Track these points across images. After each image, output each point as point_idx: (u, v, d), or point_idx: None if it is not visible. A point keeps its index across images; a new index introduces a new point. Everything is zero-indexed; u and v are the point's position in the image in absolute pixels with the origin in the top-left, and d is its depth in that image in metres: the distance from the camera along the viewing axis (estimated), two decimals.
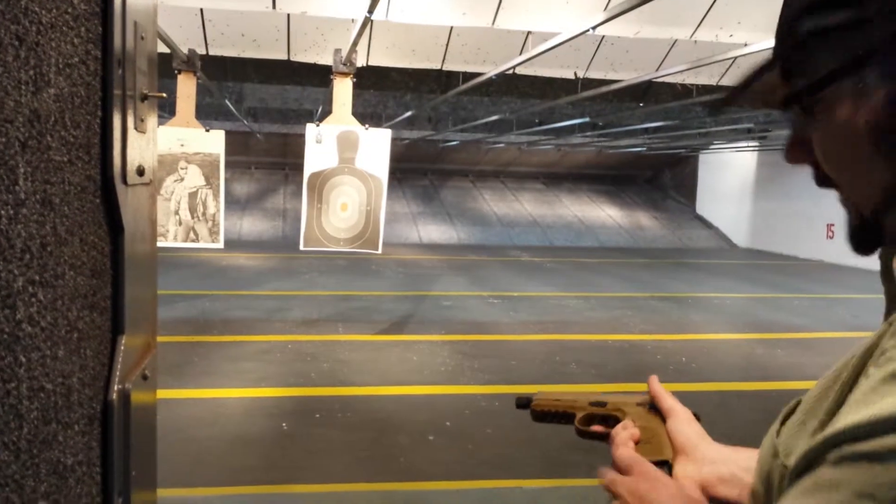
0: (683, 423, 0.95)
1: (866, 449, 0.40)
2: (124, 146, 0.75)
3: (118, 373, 0.73)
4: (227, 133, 6.62)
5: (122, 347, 0.75)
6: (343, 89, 5.97)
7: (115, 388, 0.73)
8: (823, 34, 0.54)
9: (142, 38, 0.80)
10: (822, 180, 0.59)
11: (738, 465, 0.83)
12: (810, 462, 0.44)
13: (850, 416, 0.43)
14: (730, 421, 4.96)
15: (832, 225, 15.29)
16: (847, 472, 0.41)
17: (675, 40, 6.67)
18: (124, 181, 0.75)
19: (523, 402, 1.09)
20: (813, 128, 0.57)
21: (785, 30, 0.58)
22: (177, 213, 6.12)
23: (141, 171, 0.81)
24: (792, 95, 0.57)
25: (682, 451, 0.89)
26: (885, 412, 0.40)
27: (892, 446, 0.39)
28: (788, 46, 0.58)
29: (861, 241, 0.58)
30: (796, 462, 0.46)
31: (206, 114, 11.44)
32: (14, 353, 0.54)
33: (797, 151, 0.60)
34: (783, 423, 0.60)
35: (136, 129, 0.78)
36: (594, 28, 4.47)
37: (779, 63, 0.59)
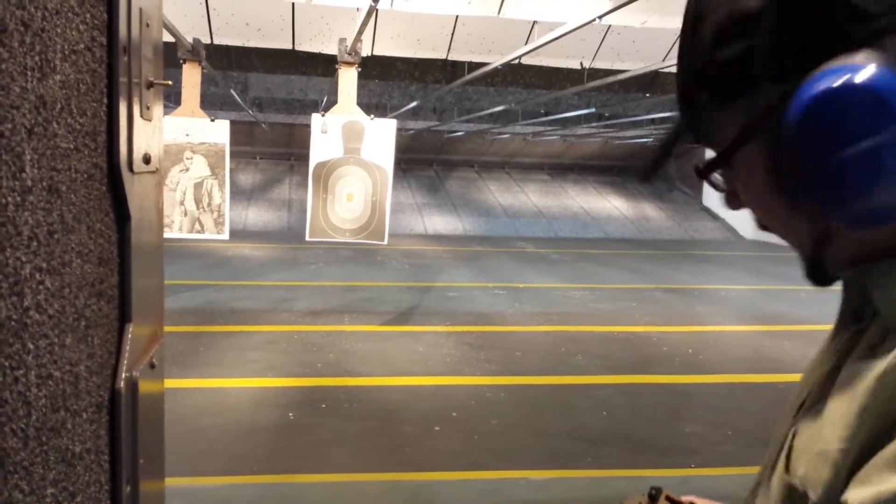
0: None
1: None
2: (130, 134, 0.74)
3: (126, 361, 0.73)
4: (233, 123, 6.62)
5: (130, 336, 0.75)
6: (348, 79, 5.95)
7: (123, 376, 0.72)
8: (718, 104, 0.58)
9: (147, 25, 0.80)
10: (761, 226, 0.63)
11: None
12: None
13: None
14: (737, 413, 4.96)
15: None
16: None
17: None
18: (130, 169, 0.74)
19: None
20: (737, 183, 0.61)
21: (684, 101, 0.62)
22: (182, 203, 6.13)
23: (147, 159, 0.80)
24: (707, 167, 0.61)
25: None
26: None
27: None
28: (692, 117, 0.62)
29: (814, 277, 0.62)
30: None
31: (211, 104, 11.44)
32: (22, 341, 0.54)
33: (732, 201, 0.64)
34: (787, 456, 0.60)
35: (142, 116, 0.78)
36: (601, 17, 4.45)
37: (689, 131, 0.63)
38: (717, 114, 0.58)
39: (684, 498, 0.99)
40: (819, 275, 0.61)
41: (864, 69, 0.48)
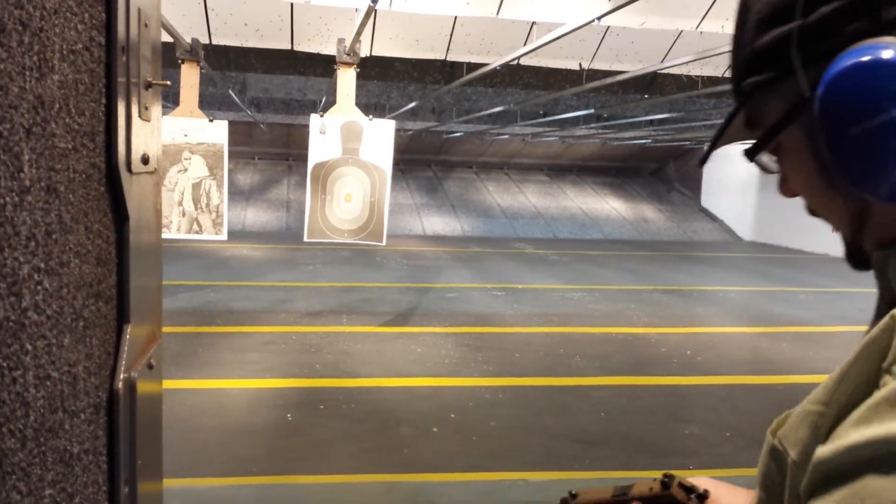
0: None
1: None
2: (129, 134, 0.74)
3: (124, 362, 0.73)
4: (231, 123, 6.62)
5: (128, 336, 0.75)
6: (347, 79, 5.95)
7: (121, 377, 0.72)
8: (763, 88, 0.61)
9: (145, 25, 0.79)
10: (812, 211, 0.66)
11: None
12: (844, 469, 0.47)
13: (886, 425, 0.46)
14: (735, 414, 4.96)
15: None
16: (886, 482, 0.44)
17: (681, 31, 6.63)
18: (129, 169, 0.74)
19: (566, 501, 1.07)
20: (786, 168, 0.64)
21: (735, 87, 0.66)
22: (180, 204, 6.12)
23: (146, 160, 0.80)
24: (753, 148, 0.64)
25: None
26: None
27: None
28: (740, 101, 0.65)
29: (855, 261, 0.64)
30: (819, 463, 0.50)
31: (210, 104, 11.43)
32: (20, 341, 0.54)
33: (786, 188, 0.67)
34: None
35: (140, 117, 0.78)
36: (599, 18, 4.45)
37: (740, 115, 0.66)
38: (762, 98, 0.62)
39: (698, 481, 0.96)
40: (858, 257, 0.62)
41: (890, 47, 0.51)
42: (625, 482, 1.04)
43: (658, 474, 0.99)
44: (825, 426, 0.52)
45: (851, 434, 0.48)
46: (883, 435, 0.45)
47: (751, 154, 0.65)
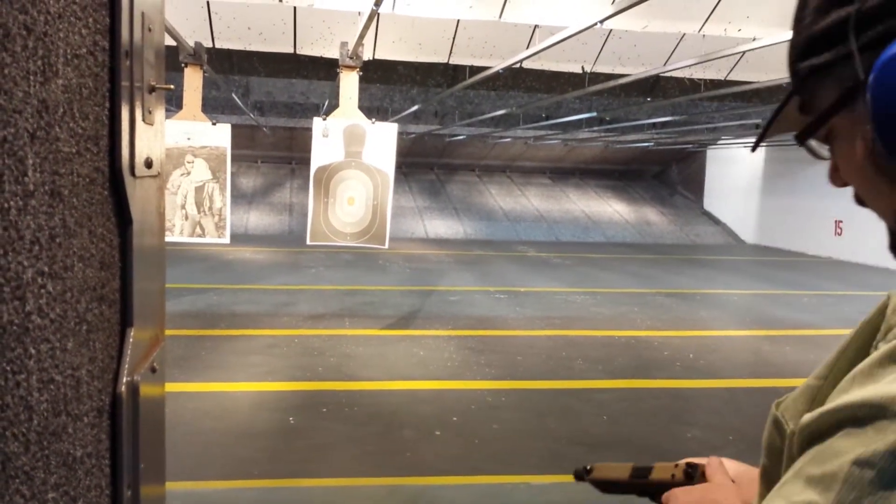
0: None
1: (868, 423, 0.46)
2: (132, 138, 0.74)
3: (127, 365, 0.73)
4: (234, 126, 6.63)
5: (131, 340, 0.75)
6: (349, 83, 5.96)
7: (124, 380, 0.72)
8: (820, 72, 0.60)
9: (149, 29, 0.80)
10: (859, 200, 0.65)
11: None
12: (820, 431, 0.50)
13: (857, 392, 0.49)
14: (738, 417, 4.95)
15: (840, 221, 15.22)
16: (849, 442, 0.46)
17: (684, 34, 6.63)
18: (132, 173, 0.74)
19: (580, 474, 1.03)
20: (837, 157, 0.64)
21: (791, 70, 0.65)
22: (183, 207, 6.13)
23: (149, 163, 0.80)
24: (804, 130, 0.64)
25: None
26: (887, 394, 0.46)
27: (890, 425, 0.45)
28: (795, 85, 0.65)
29: None
30: (803, 427, 0.52)
31: (213, 107, 11.45)
32: (24, 345, 0.54)
33: (836, 176, 0.66)
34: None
35: (144, 120, 0.78)
36: (602, 22, 4.45)
37: (794, 99, 0.66)
38: (818, 82, 0.62)
39: (706, 462, 0.93)
40: None
41: None
42: (642, 462, 0.99)
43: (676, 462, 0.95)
44: (821, 398, 0.55)
45: (835, 400, 0.51)
46: (855, 400, 0.48)
47: (801, 138, 0.65)
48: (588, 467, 1.01)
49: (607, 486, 1.00)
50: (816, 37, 0.60)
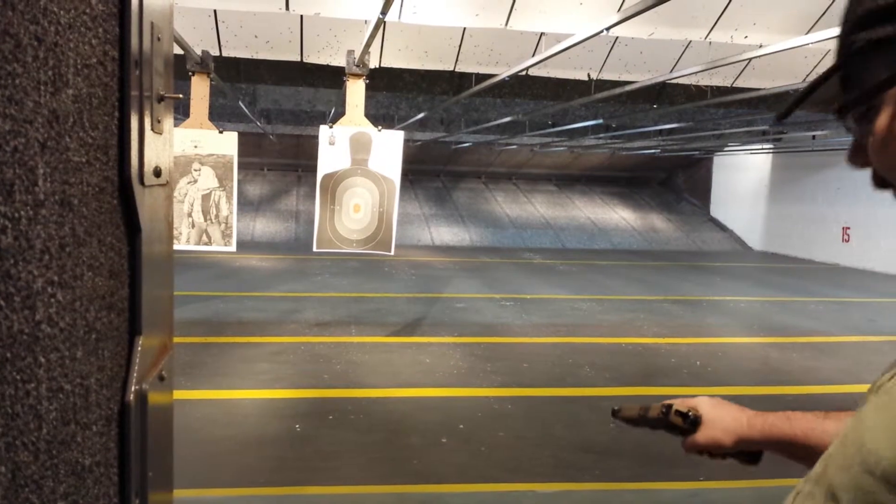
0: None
1: None
2: (141, 147, 0.75)
3: (135, 374, 0.73)
4: (241, 134, 6.65)
5: (140, 348, 0.75)
6: (356, 91, 5.98)
7: (133, 388, 0.73)
8: (875, 46, 0.60)
9: (158, 39, 0.80)
10: (879, 182, 0.65)
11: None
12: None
13: None
14: None
15: (848, 228, 15.15)
16: None
17: (690, 41, 6.63)
18: (141, 182, 0.75)
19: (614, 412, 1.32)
20: (868, 134, 0.63)
21: (842, 42, 0.65)
22: (190, 215, 6.15)
23: (158, 172, 0.81)
24: (846, 104, 0.63)
25: None
26: None
27: None
28: (844, 57, 0.64)
29: None
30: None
31: (220, 115, 11.49)
32: (34, 354, 0.54)
33: (857, 156, 0.66)
34: None
35: (153, 130, 0.78)
36: (608, 29, 4.46)
37: (838, 72, 0.65)
38: (869, 56, 0.61)
39: (694, 401, 1.18)
40: None
41: None
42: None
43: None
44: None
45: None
46: None
47: (843, 111, 0.64)
48: (616, 408, 1.30)
49: (628, 422, 1.27)
50: (880, 9, 0.59)
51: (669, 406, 1.17)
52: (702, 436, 1.15)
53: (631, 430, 1.31)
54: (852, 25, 0.62)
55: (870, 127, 0.62)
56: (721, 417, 1.16)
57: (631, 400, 5.48)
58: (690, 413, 1.14)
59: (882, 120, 0.60)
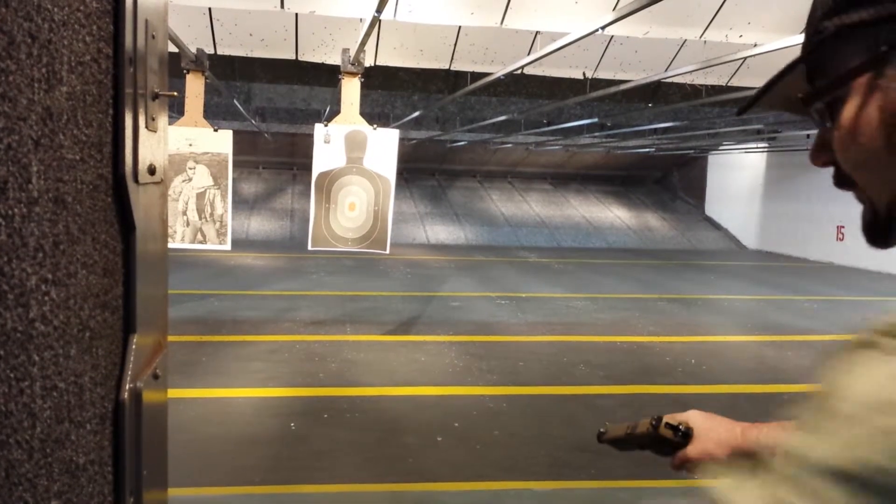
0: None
1: None
2: (136, 145, 0.75)
3: (130, 372, 0.73)
4: (235, 133, 6.64)
5: (134, 346, 0.75)
6: (351, 89, 5.97)
7: (127, 387, 0.72)
8: (848, 32, 0.58)
9: (153, 36, 0.80)
10: (841, 181, 0.62)
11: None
12: None
13: None
14: None
15: (842, 227, 15.21)
16: None
17: (685, 40, 6.64)
18: (136, 180, 0.75)
19: (599, 437, 1.30)
20: (833, 127, 0.60)
21: (810, 31, 0.62)
22: (185, 213, 6.13)
23: (152, 170, 0.81)
24: (813, 93, 0.61)
25: None
26: None
27: None
28: (813, 46, 0.62)
29: (875, 234, 0.60)
30: None
31: (215, 113, 11.48)
32: (27, 352, 0.54)
33: (820, 153, 0.63)
34: None
35: (147, 127, 0.78)
36: (603, 28, 4.46)
37: (803, 63, 0.63)
38: (838, 44, 0.59)
39: (685, 416, 1.13)
40: (884, 231, 0.59)
41: None
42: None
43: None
44: None
45: None
46: None
47: (810, 101, 0.62)
48: (602, 430, 1.27)
49: (614, 444, 1.25)
50: None
51: (660, 418, 1.13)
52: (693, 449, 1.10)
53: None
54: (825, 12, 0.60)
55: (835, 120, 0.60)
56: (714, 429, 1.11)
57: (625, 398, 5.50)
58: (681, 426, 1.11)
59: (848, 111, 0.58)
